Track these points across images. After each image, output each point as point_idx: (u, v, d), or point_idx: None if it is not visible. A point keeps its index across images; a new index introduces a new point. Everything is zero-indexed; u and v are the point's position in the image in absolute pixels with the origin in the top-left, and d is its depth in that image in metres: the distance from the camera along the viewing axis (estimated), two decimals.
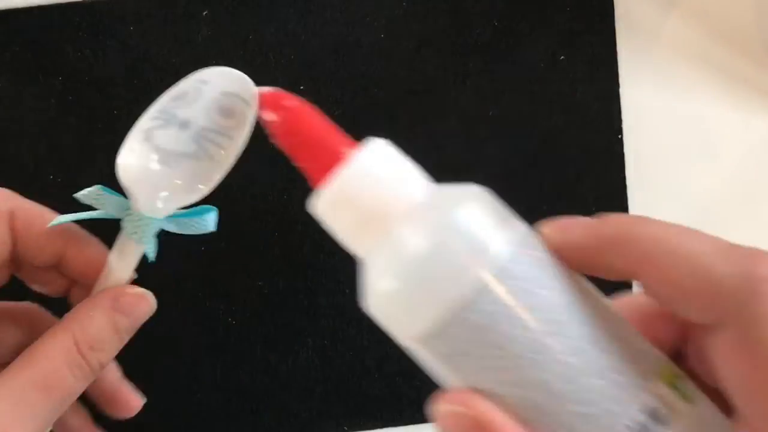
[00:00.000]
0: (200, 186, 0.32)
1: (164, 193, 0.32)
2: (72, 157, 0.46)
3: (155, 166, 0.31)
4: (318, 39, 0.47)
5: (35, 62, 0.47)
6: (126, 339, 0.33)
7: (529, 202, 0.46)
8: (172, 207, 0.32)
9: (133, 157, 0.31)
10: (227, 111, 0.32)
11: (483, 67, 0.47)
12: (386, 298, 0.23)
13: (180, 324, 0.45)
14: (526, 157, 0.46)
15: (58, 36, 0.47)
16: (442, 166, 0.47)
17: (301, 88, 0.47)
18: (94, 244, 0.35)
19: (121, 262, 0.33)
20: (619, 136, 0.46)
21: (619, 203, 0.46)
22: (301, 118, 0.26)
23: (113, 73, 0.47)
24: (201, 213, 0.33)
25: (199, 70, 0.32)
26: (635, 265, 0.22)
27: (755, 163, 0.47)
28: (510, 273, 0.22)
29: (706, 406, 0.23)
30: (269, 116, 0.26)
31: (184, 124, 0.31)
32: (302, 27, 0.47)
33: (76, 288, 0.36)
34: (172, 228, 0.33)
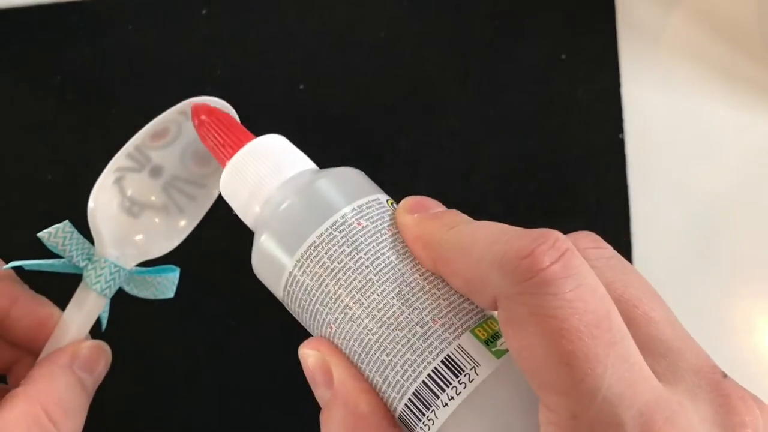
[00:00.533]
0: (169, 239, 0.30)
1: (135, 240, 0.30)
2: (70, 157, 0.46)
3: (123, 214, 0.30)
4: (318, 38, 0.47)
5: (34, 61, 0.47)
6: (91, 398, 0.30)
7: (530, 202, 0.46)
8: (137, 260, 0.30)
9: (104, 198, 0.30)
10: (203, 157, 0.30)
11: (484, 67, 0.47)
12: (257, 257, 0.27)
13: (179, 324, 0.45)
14: (526, 157, 0.46)
15: (57, 35, 0.47)
16: (443, 166, 0.47)
17: (301, 87, 0.47)
18: (43, 302, 0.32)
19: (79, 316, 0.30)
20: (621, 136, 0.46)
21: (621, 203, 0.46)
22: (215, 122, 0.29)
23: (112, 72, 0.47)
24: (163, 272, 0.31)
25: (189, 99, 0.30)
26: (433, 261, 0.24)
27: (757, 163, 0.47)
28: (336, 239, 0.25)
29: (514, 368, 0.23)
30: (194, 121, 0.30)
31: (155, 171, 0.30)
32: (302, 25, 0.47)
33: (19, 364, 0.31)
34: (131, 289, 0.31)
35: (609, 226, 0.45)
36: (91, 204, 0.29)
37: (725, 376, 0.22)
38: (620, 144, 0.46)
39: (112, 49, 0.47)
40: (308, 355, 0.25)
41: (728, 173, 0.47)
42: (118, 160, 0.30)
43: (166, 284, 0.31)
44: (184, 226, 0.31)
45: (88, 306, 0.30)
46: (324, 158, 0.49)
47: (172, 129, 0.30)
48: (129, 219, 0.30)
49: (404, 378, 0.24)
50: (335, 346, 0.25)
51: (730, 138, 0.47)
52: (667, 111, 0.47)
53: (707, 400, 0.21)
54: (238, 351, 0.45)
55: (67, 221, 0.29)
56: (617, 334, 0.21)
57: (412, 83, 0.47)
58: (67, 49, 0.46)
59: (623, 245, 0.45)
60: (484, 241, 0.23)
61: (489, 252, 0.22)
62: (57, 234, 0.29)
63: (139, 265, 0.31)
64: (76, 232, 0.30)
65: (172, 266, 0.32)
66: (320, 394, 0.25)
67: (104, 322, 0.30)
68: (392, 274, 0.25)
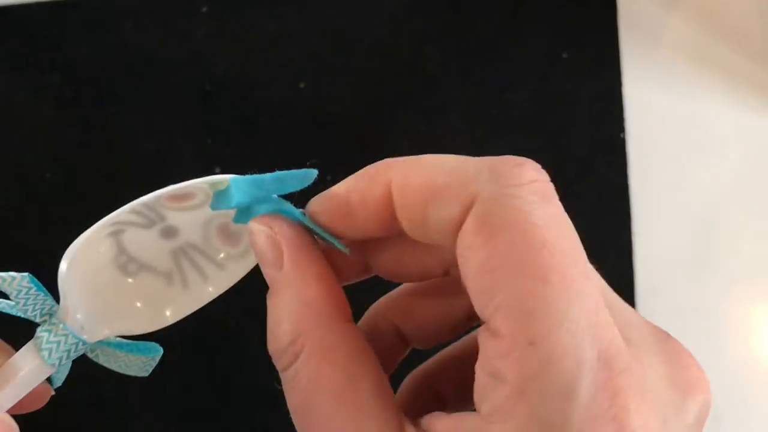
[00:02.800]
0: (159, 317, 0.25)
1: (114, 308, 0.24)
2: (69, 154, 0.46)
3: (114, 270, 0.24)
4: (318, 36, 0.47)
5: (33, 58, 0.46)
6: None
7: None
8: (115, 332, 0.24)
9: (89, 253, 0.23)
10: (233, 235, 0.24)
11: (485, 65, 0.47)
12: None
13: (178, 324, 0.45)
14: (528, 155, 0.46)
15: (56, 32, 0.47)
16: None
17: (301, 86, 0.47)
18: None
19: (12, 380, 0.23)
20: (622, 135, 0.46)
21: (622, 201, 0.46)
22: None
23: (112, 69, 0.46)
24: (141, 350, 0.25)
25: (228, 176, 0.24)
26: (387, 194, 0.22)
27: (758, 162, 0.47)
28: None
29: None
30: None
31: (168, 232, 0.24)
32: (302, 24, 0.47)
33: None
34: (96, 357, 0.25)
35: (610, 224, 0.45)
36: (63, 266, 0.23)
37: (669, 335, 0.22)
38: (621, 143, 0.46)
39: (112, 47, 0.46)
40: (259, 231, 0.23)
41: (729, 172, 0.47)
42: (119, 215, 0.23)
43: (139, 364, 0.25)
44: (183, 307, 0.25)
45: (28, 369, 0.23)
46: (324, 157, 0.49)
47: (199, 195, 0.24)
48: (120, 277, 0.24)
49: None
50: (289, 223, 0.23)
51: (731, 137, 0.47)
52: (669, 110, 0.47)
53: (660, 358, 0.21)
54: (237, 351, 0.45)
55: (27, 275, 0.23)
56: (590, 271, 0.20)
57: (412, 83, 0.47)
58: (66, 47, 0.46)
59: (624, 244, 0.45)
60: (458, 159, 0.21)
61: (473, 161, 0.21)
62: (12, 284, 0.23)
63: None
64: (35, 288, 0.23)
65: (154, 345, 0.25)
66: (269, 273, 0.23)
67: (57, 382, 0.24)
68: None
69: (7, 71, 0.46)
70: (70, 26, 0.46)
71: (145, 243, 0.24)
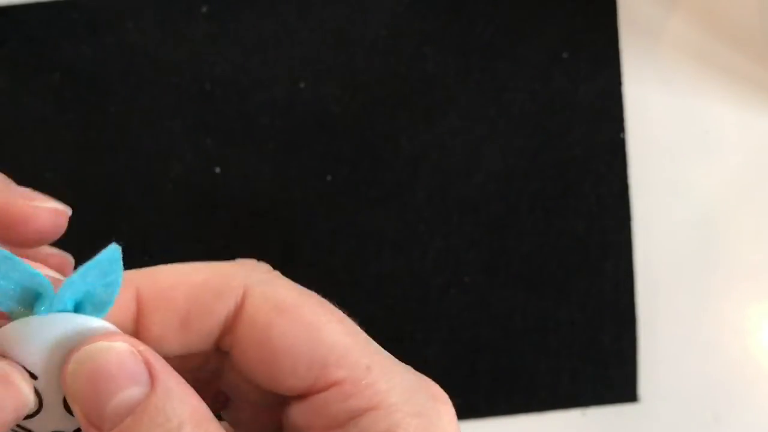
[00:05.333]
0: None
1: None
2: (69, 156, 0.46)
3: None
4: (318, 35, 0.47)
5: (33, 59, 0.46)
6: None
7: (531, 202, 0.46)
8: None
9: None
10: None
11: (485, 65, 0.47)
12: None
13: None
14: (527, 156, 0.46)
15: (56, 32, 0.46)
16: (443, 165, 0.47)
17: (301, 86, 0.47)
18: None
19: None
20: (622, 135, 0.46)
21: (622, 203, 0.46)
22: None
23: (111, 70, 0.46)
24: None
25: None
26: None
27: (759, 163, 0.47)
28: None
29: None
30: None
31: None
32: (302, 24, 0.47)
33: None
34: None
35: (610, 225, 0.45)
36: None
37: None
38: (621, 143, 0.46)
39: (112, 47, 0.46)
40: (107, 348, 0.19)
41: (729, 172, 0.47)
42: None
43: None
44: None
45: None
46: (324, 157, 0.49)
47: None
48: None
49: None
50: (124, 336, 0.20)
51: (732, 137, 0.47)
52: (669, 110, 0.47)
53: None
54: None
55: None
56: None
57: (412, 83, 0.47)
58: (66, 47, 0.46)
59: (624, 245, 0.45)
60: (193, 266, 0.22)
61: (213, 266, 0.22)
62: None
63: None
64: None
65: None
66: (128, 394, 0.19)
67: None
68: None
69: (7, 71, 0.46)
70: (70, 26, 0.46)
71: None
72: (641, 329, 0.45)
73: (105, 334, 0.20)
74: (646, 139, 0.46)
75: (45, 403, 0.20)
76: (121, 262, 0.21)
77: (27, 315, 0.20)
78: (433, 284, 0.45)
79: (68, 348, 0.20)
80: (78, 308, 0.20)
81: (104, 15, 0.46)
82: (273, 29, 0.47)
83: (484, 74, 0.47)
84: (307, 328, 0.20)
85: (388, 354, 0.21)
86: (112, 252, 0.21)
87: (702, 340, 0.45)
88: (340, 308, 0.24)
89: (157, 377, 0.19)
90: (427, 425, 0.19)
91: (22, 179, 0.46)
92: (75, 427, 0.21)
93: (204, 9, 0.47)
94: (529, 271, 0.45)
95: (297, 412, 0.20)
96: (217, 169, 0.46)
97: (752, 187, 0.46)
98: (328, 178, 0.46)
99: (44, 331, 0.20)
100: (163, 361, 0.20)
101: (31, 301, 0.20)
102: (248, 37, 0.47)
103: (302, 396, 0.20)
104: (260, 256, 0.45)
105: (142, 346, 0.19)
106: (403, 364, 0.21)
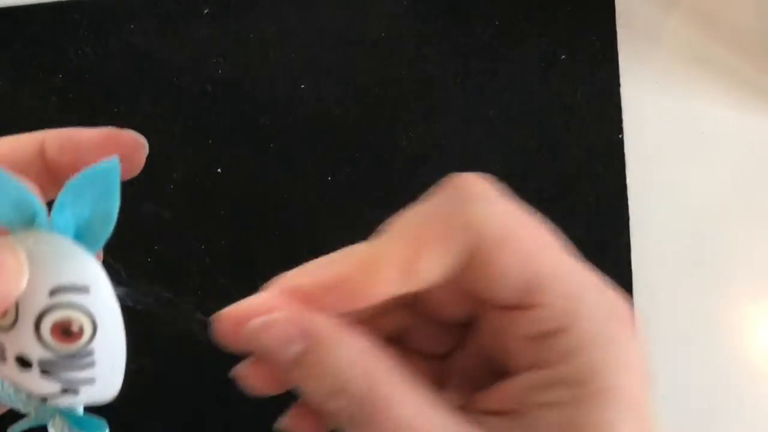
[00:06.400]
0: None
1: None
2: None
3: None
4: (319, 37, 0.47)
5: (36, 60, 0.47)
6: None
7: (529, 202, 0.46)
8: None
9: None
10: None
11: (483, 67, 0.47)
12: None
13: (177, 323, 0.45)
14: (526, 157, 0.46)
15: (59, 34, 0.47)
16: (442, 166, 0.47)
17: (302, 86, 0.47)
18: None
19: None
20: (620, 136, 0.46)
21: (620, 203, 0.46)
22: None
23: (114, 71, 0.47)
24: (88, 427, 0.24)
25: None
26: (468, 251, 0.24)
27: (755, 164, 0.47)
28: None
29: None
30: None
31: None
32: (303, 24, 0.47)
33: None
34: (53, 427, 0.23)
35: (608, 226, 0.45)
36: None
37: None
38: (619, 144, 0.46)
39: (115, 48, 0.47)
40: (273, 320, 0.24)
41: (726, 173, 0.47)
42: None
43: None
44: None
45: None
46: (324, 158, 0.49)
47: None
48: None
49: None
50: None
51: (729, 138, 0.47)
52: (666, 111, 0.47)
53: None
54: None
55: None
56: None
57: (412, 83, 0.47)
58: (69, 48, 0.47)
59: (622, 245, 0.45)
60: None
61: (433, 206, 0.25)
62: None
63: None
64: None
65: (101, 422, 0.24)
66: (289, 351, 0.23)
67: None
68: None
69: (11, 73, 0.47)
70: (73, 28, 0.47)
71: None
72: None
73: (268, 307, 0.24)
74: (643, 141, 0.47)
75: (20, 317, 0.21)
76: (118, 184, 0.22)
77: (27, 230, 0.21)
78: None
79: (57, 273, 0.21)
80: (78, 235, 0.22)
81: (107, 17, 0.47)
82: (274, 30, 0.47)
83: (482, 75, 0.47)
84: (524, 259, 0.23)
85: (590, 277, 0.24)
86: (110, 169, 0.22)
87: (699, 340, 0.45)
88: None
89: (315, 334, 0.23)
90: (608, 349, 0.22)
91: None
92: (39, 356, 0.21)
93: (206, 11, 0.47)
94: None
95: (497, 318, 0.24)
96: (219, 169, 0.46)
97: (748, 187, 0.47)
98: (329, 178, 0.46)
99: (40, 249, 0.21)
100: (324, 321, 0.23)
101: (29, 219, 0.21)
102: (249, 38, 0.47)
103: (505, 308, 0.23)
104: (260, 256, 0.45)
105: (299, 314, 0.23)
106: (602, 285, 0.24)
